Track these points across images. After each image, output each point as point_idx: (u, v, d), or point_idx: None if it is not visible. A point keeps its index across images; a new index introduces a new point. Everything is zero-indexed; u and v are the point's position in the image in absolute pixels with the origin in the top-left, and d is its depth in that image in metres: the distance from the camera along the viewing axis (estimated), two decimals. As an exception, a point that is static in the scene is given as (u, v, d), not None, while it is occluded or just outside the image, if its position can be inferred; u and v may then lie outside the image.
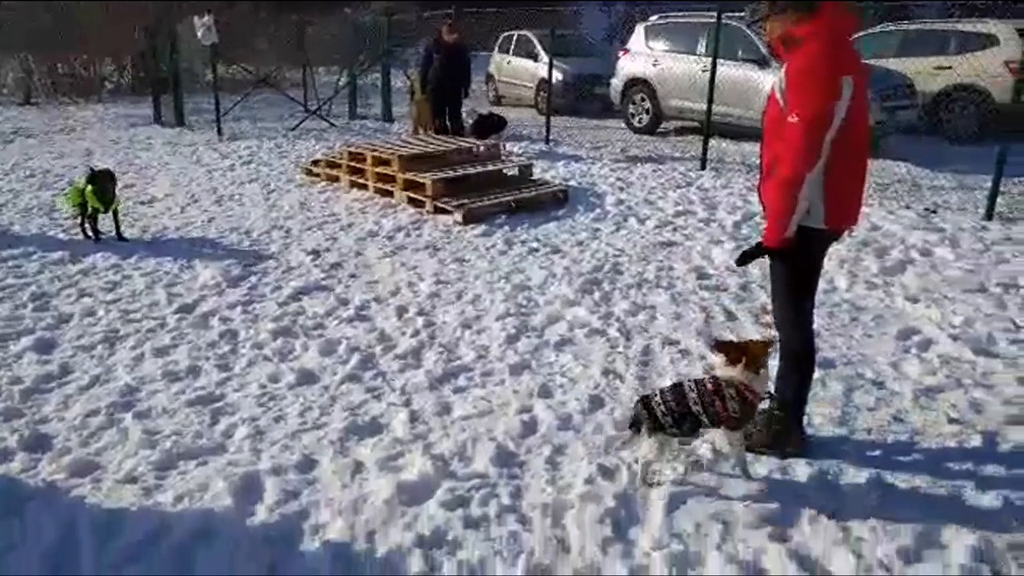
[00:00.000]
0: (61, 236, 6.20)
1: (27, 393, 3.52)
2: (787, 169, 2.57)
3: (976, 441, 3.04)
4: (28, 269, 5.30)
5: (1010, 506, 2.62)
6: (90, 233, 5.95)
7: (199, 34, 11.80)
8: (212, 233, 6.32)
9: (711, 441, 3.02)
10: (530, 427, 3.22)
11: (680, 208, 6.91)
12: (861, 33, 11.62)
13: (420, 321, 4.40)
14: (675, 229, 6.29)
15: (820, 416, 3.25)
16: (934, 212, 6.73)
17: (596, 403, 3.41)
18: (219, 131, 11.77)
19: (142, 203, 7.41)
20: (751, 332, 4.14)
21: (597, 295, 4.81)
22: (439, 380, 3.65)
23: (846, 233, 3.18)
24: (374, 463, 2.95)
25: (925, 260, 5.42)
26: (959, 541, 2.43)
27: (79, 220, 6.01)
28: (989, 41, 10.01)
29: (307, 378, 3.70)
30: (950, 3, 15.18)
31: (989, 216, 6.49)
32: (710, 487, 2.78)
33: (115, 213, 5.98)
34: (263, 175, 8.71)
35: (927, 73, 10.32)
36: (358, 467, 2.94)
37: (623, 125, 12.14)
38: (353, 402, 3.46)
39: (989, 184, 6.58)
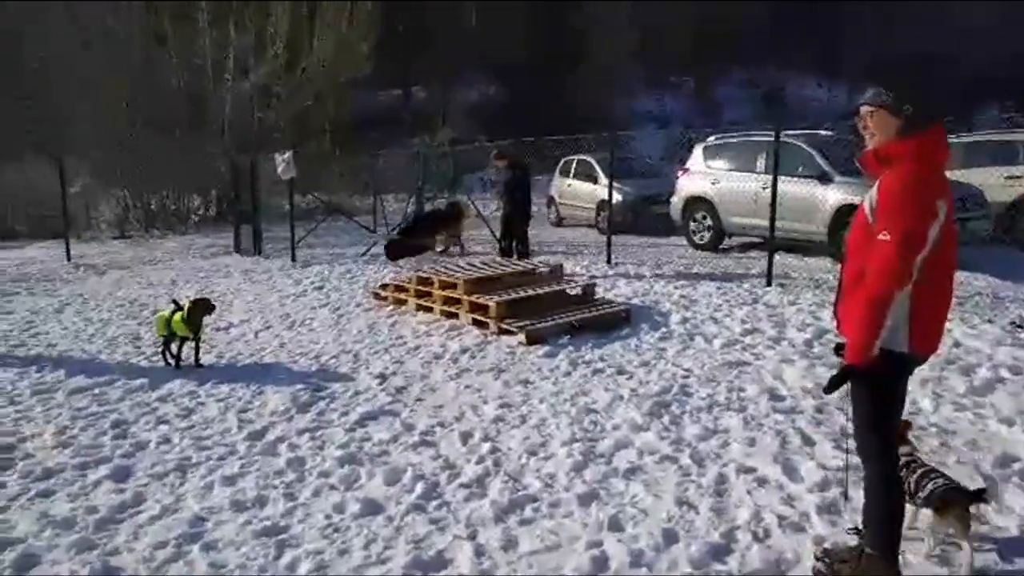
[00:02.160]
0: (144, 363, 6.48)
1: (101, 523, 3.57)
2: (875, 287, 2.51)
3: None
4: (111, 396, 5.52)
5: None
6: (170, 360, 6.21)
7: (279, 169, 12.65)
8: (283, 358, 6.50)
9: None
10: (600, 563, 3.07)
11: (748, 326, 6.78)
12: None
13: (485, 447, 4.34)
14: (744, 348, 6.15)
15: (915, 554, 2.99)
16: (1020, 327, 6.41)
17: (670, 537, 3.24)
18: (293, 258, 12.35)
19: (218, 329, 7.72)
20: (829, 458, 3.92)
21: (666, 419, 4.67)
22: (505, 511, 3.55)
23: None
24: (439, 603, 2.84)
25: (1017, 379, 5.11)
26: None
27: (161, 348, 6.30)
28: (1057, 150, 9.84)
29: (372, 508, 3.66)
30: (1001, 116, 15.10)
31: (1083, 329, 6.14)
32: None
33: (197, 341, 6.25)
34: (333, 300, 9.01)
35: (997, 183, 10.14)
36: (422, 607, 2.84)
37: (684, 242, 12.21)
38: (418, 534, 3.38)
39: (1078, 296, 6.27)
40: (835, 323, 2.81)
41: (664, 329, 6.81)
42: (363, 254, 12.62)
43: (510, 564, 3.10)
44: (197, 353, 6.29)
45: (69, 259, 13.61)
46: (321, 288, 9.82)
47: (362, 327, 7.51)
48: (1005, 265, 8.85)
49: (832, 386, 2.67)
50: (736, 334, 6.55)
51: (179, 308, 6.23)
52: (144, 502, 3.81)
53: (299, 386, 5.59)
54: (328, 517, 3.58)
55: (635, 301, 7.94)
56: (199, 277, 11.27)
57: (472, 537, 3.33)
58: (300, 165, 13.31)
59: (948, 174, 8.92)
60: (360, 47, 21.50)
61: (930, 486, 2.93)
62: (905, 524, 3.08)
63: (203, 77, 20.08)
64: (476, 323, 7.14)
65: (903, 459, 3.07)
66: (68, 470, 4.21)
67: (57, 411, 5.23)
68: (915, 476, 3.01)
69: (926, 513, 2.97)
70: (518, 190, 9.90)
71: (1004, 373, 5.22)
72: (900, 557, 2.83)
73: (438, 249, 12.32)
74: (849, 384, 2.73)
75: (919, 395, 4.82)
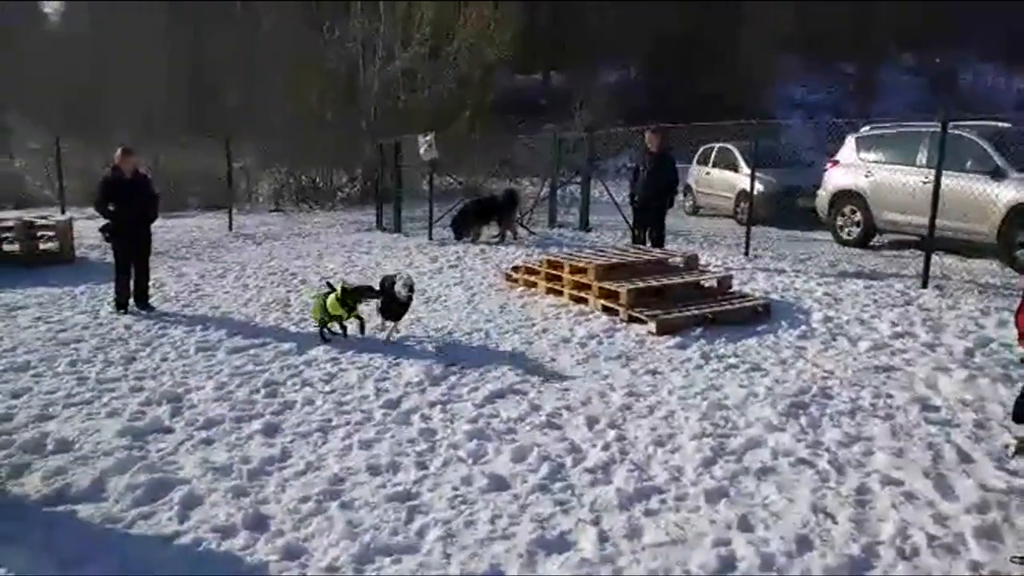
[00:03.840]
0: (292, 328, 6.93)
1: (253, 473, 3.87)
2: None
3: None
4: (263, 357, 5.95)
5: None
6: (328, 335, 6.43)
7: (421, 151, 13.08)
8: (419, 332, 6.75)
9: None
10: (728, 563, 2.98)
11: (898, 329, 6.32)
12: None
13: (611, 434, 4.32)
14: (893, 353, 5.74)
15: (1091, 593, 2.70)
16: None
17: (804, 544, 3.11)
18: (430, 236, 12.77)
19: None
20: (990, 478, 3.60)
21: (804, 420, 4.46)
22: (630, 499, 3.53)
23: None
24: (561, 582, 2.87)
25: None
26: None
27: (318, 328, 6.48)
28: None
29: (498, 483, 3.74)
30: None
31: None
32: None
33: (360, 319, 6.52)
34: (467, 278, 9.24)
35: None
36: (545, 585, 2.88)
37: (830, 238, 11.53)
38: (542, 514, 3.43)
39: None
40: (1017, 333, 2.55)
41: (804, 327, 6.48)
42: (496, 235, 12.84)
43: (633, 553, 3.08)
44: (362, 327, 6.51)
45: (231, 229, 14.77)
46: (456, 267, 10.09)
47: (493, 307, 7.65)
48: None
49: (1018, 415, 2.44)
50: (885, 337, 6.13)
51: (332, 290, 6.37)
52: (290, 457, 4.09)
53: (432, 360, 5.79)
54: (456, 488, 3.70)
55: (774, 296, 7.61)
56: (343, 251, 11.89)
57: (596, 522, 3.33)
58: (441, 147, 13.69)
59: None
60: (504, 32, 21.76)
61: None
62: None
63: (353, 61, 21.11)
64: (605, 310, 7.09)
65: None
66: (226, 422, 4.59)
67: (218, 367, 5.70)
68: None
69: None
70: (665, 173, 9.55)
71: None
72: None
73: (494, 237, 12.33)
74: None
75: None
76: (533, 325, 6.89)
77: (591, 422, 4.52)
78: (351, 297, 6.30)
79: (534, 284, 8.33)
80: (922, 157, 9.81)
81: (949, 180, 8.02)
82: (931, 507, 3.40)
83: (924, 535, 3.15)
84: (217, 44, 22.16)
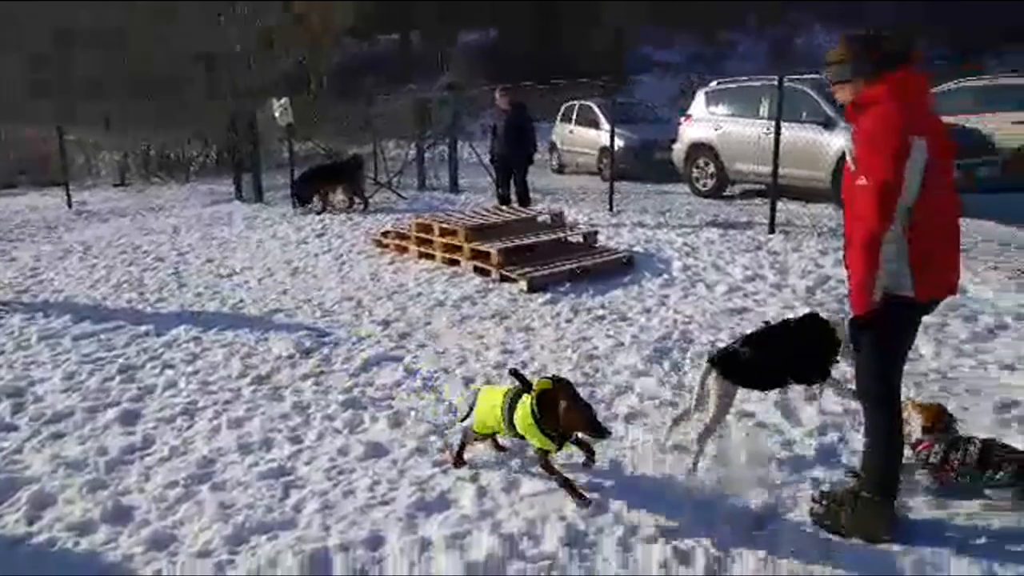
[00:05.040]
0: (148, 310, 6.51)
1: (112, 464, 3.64)
2: (861, 233, 2.52)
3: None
4: (117, 342, 5.56)
5: None
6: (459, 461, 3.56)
7: (276, 115, 12.49)
8: (287, 304, 6.52)
9: (794, 524, 2.88)
10: (601, 505, 3.12)
11: (750, 273, 6.78)
12: (933, 91, 11.40)
13: (487, 392, 4.38)
14: (745, 295, 6.16)
15: (912, 497, 3.05)
16: (1024, 273, 6.40)
17: (669, 481, 3.30)
18: (294, 205, 12.29)
19: (221, 276, 7.74)
20: (830, 403, 3.96)
21: (667, 365, 4.71)
22: (506, 455, 3.60)
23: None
24: (441, 541, 2.91)
25: (1019, 325, 5.13)
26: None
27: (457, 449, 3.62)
28: (1071, 94, 9.67)
29: (376, 451, 3.71)
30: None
31: (1085, 276, 6.13)
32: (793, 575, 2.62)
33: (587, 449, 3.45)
34: (335, 247, 8.99)
35: (1007, 128, 10.00)
36: (425, 545, 2.90)
37: (687, 190, 12.12)
38: (421, 476, 3.45)
39: (1083, 243, 6.24)
40: (846, 273, 2.79)
41: (666, 276, 6.81)
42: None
43: (512, 505, 3.16)
44: (591, 459, 3.37)
45: (70, 207, 13.56)
46: (323, 235, 9.80)
47: (364, 274, 7.51)
48: (1015, 212, 8.78)
49: (853, 342, 2.66)
50: (738, 281, 6.56)
51: (526, 389, 3.20)
52: (153, 444, 3.87)
53: (302, 332, 5.63)
54: (333, 460, 3.64)
55: (637, 248, 7.92)
56: (200, 224, 11.24)
57: (474, 479, 3.39)
58: (297, 111, 13.13)
59: (959, 119, 8.77)
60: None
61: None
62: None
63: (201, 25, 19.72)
64: (477, 270, 7.14)
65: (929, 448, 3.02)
66: (78, 413, 4.27)
67: (64, 356, 5.27)
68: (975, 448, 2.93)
69: None
70: (519, 131, 9.61)
71: (1007, 320, 5.24)
72: (896, 500, 2.89)
73: (341, 203, 11.82)
74: (849, 330, 2.73)
75: (921, 341, 4.83)
76: (406, 290, 6.83)
77: (467, 382, 4.56)
78: (565, 422, 3.04)
79: (405, 248, 8.24)
80: (763, 109, 10.44)
81: (788, 131, 8.59)
82: (780, 434, 3.70)
83: (774, 460, 3.42)
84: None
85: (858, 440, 3.02)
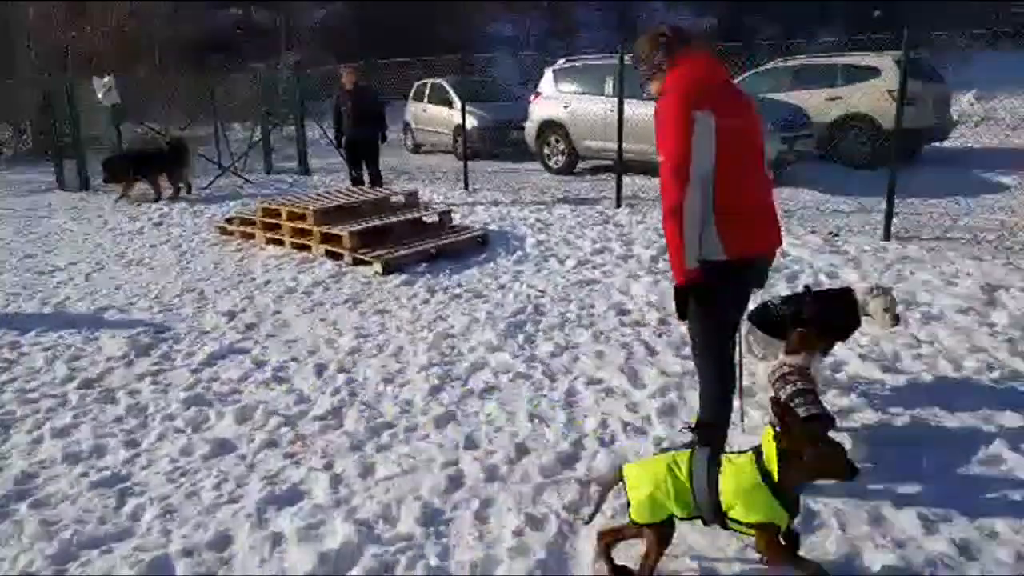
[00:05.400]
0: (-49, 314, 5.81)
1: (-92, 491, 3.23)
2: (664, 206, 2.69)
3: (891, 456, 3.14)
4: (-88, 353, 4.93)
5: (923, 518, 2.70)
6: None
7: (99, 95, 11.47)
8: (120, 300, 6.04)
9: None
10: (456, 482, 3.15)
11: (598, 246, 7.03)
12: (757, 70, 12.26)
13: (341, 379, 4.28)
14: (594, 267, 6.38)
15: (743, 446, 3.29)
16: (837, 235, 7.06)
17: (522, 450, 3.38)
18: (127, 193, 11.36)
19: (42, 273, 7.05)
20: (670, 365, 4.20)
21: (521, 338, 4.80)
22: (361, 440, 3.55)
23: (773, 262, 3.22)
24: (294, 534, 2.82)
25: (833, 283, 5.65)
26: (877, 560, 2.49)
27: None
28: (872, 73, 10.71)
29: (222, 448, 3.54)
30: (833, 40, 16.17)
31: (887, 237, 6.85)
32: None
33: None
34: (175, 236, 8.44)
35: (821, 104, 10.93)
36: (277, 540, 2.81)
37: (540, 167, 12.35)
38: (271, 470, 3.32)
39: (884, 206, 6.95)
40: None
41: (520, 252, 6.93)
42: (206, 187, 11.84)
43: (367, 490, 3.12)
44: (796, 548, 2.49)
45: None
46: (161, 224, 9.16)
47: (207, 264, 7.10)
48: (829, 180, 9.64)
49: (679, 309, 2.79)
50: (587, 254, 6.79)
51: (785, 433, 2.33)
52: (-40, 464, 3.48)
53: (138, 329, 5.24)
54: (174, 461, 3.43)
55: (492, 226, 8.00)
56: (15, 217, 10.18)
57: (328, 467, 3.31)
58: (126, 90, 12.12)
59: (779, 95, 9.42)
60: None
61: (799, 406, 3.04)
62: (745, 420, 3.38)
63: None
64: (329, 255, 6.94)
65: (785, 370, 3.22)
66: None
67: None
68: (787, 392, 3.11)
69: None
70: (367, 112, 9.39)
71: (822, 278, 5.76)
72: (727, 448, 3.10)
73: (167, 193, 10.86)
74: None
75: (753, 303, 5.22)
76: (253, 278, 6.52)
77: (320, 370, 4.44)
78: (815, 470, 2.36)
79: (252, 235, 7.86)
80: (608, 87, 10.80)
81: (632, 107, 8.95)
82: (625, 397, 3.88)
83: (620, 422, 3.59)
84: None
85: (695, 398, 3.21)
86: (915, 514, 2.72)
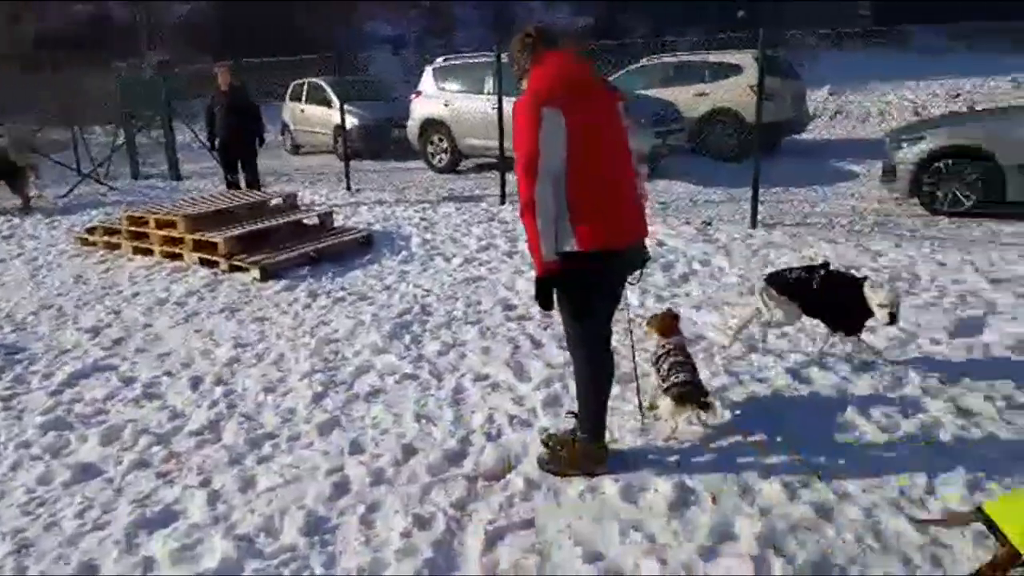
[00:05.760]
0: None
1: None
2: (520, 202, 2.74)
3: (759, 429, 3.33)
4: None
5: (786, 485, 2.89)
6: None
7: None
8: (-36, 322, 5.53)
9: (524, 473, 3.08)
10: (342, 488, 3.08)
11: (484, 243, 7.07)
12: (631, 68, 12.69)
13: (218, 391, 4.10)
14: (480, 264, 6.41)
15: (622, 430, 3.41)
16: (709, 225, 7.42)
17: (409, 452, 3.35)
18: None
19: None
20: (555, 356, 4.28)
21: (407, 339, 4.76)
22: (241, 453, 3.41)
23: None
24: (167, 556, 2.68)
25: (705, 270, 5.93)
26: (746, 528, 2.64)
27: None
28: (735, 70, 11.32)
29: (86, 473, 3.31)
30: (699, 39, 16.95)
31: (754, 224, 7.26)
32: (525, 520, 2.81)
33: None
34: (28, 249, 7.81)
35: (690, 100, 11.45)
36: (148, 565, 2.65)
37: (424, 166, 12.29)
38: (142, 492, 3.13)
39: (751, 196, 7.37)
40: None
41: (405, 252, 6.87)
42: (64, 195, 11.03)
43: (248, 504, 3.00)
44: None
45: None
46: (11, 237, 8.46)
47: (66, 278, 6.61)
48: (701, 172, 10.12)
49: (540, 300, 2.82)
50: (473, 251, 6.81)
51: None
52: None
53: (-14, 352, 4.82)
54: (31, 491, 3.18)
55: (376, 227, 7.89)
56: None
57: (205, 484, 3.16)
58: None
59: (651, 92, 9.75)
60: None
61: (673, 378, 3.26)
62: (647, 402, 3.50)
63: None
64: (203, 262, 6.62)
65: (667, 348, 3.43)
66: None
67: None
68: (668, 364, 3.33)
69: (667, 401, 3.27)
70: (242, 113, 9.00)
71: (696, 266, 6.04)
72: (608, 434, 3.20)
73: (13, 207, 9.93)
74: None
75: (629, 291, 5.40)
76: (120, 291, 6.13)
77: (195, 383, 4.23)
78: None
79: (117, 245, 7.39)
80: (488, 86, 10.88)
81: (511, 106, 9.03)
82: (511, 391, 3.93)
83: (506, 416, 3.63)
84: None
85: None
86: (779, 483, 2.90)
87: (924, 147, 7.65)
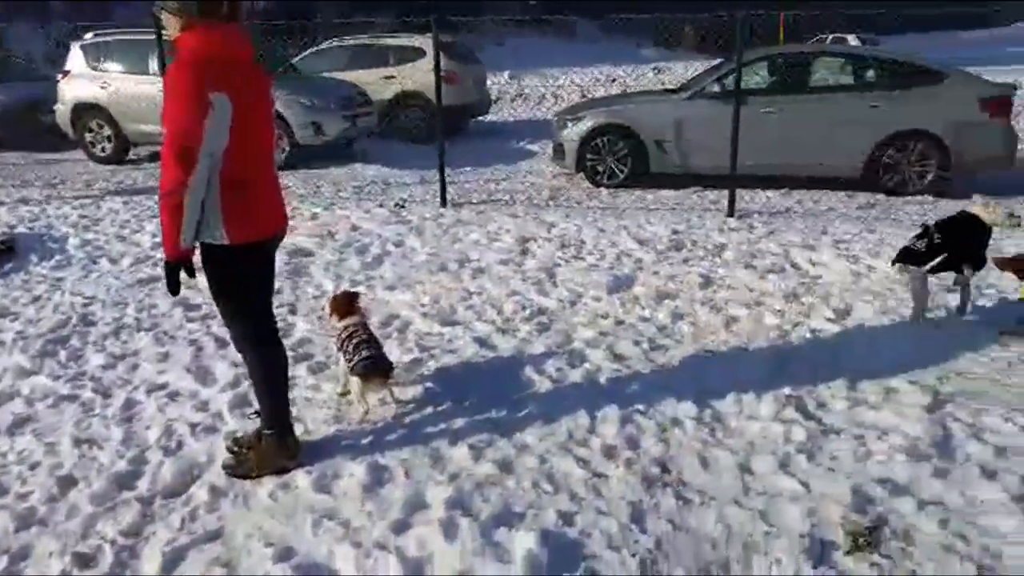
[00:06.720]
0: None
1: None
2: (164, 181, 2.48)
3: (446, 399, 3.48)
4: None
5: (473, 448, 3.06)
6: None
7: None
8: None
9: (209, 483, 2.87)
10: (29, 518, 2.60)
11: (159, 239, 6.39)
12: (314, 49, 12.36)
13: None
14: (156, 263, 5.80)
15: (316, 420, 3.33)
16: (402, 206, 7.54)
17: (67, 483, 2.92)
18: None
19: None
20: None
21: (63, 356, 4.14)
22: None
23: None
24: None
25: (398, 251, 6.02)
26: (437, 495, 2.75)
27: None
28: (419, 54, 11.62)
29: None
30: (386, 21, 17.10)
31: (443, 204, 7.55)
32: (211, 531, 2.62)
33: None
34: None
35: (378, 83, 11.51)
36: None
37: (85, 156, 10.77)
38: None
39: (439, 177, 7.64)
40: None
41: (60, 256, 5.98)
42: None
43: None
44: None
45: None
46: None
47: None
48: (393, 155, 10.25)
49: (169, 285, 2.58)
50: (147, 249, 6.16)
51: None
52: None
53: None
54: None
55: (21, 229, 6.73)
56: None
57: None
58: None
59: (337, 74, 9.59)
60: None
61: (358, 356, 3.22)
62: (340, 388, 3.42)
63: None
64: None
65: (349, 329, 3.34)
66: None
67: None
68: (352, 344, 3.28)
69: (355, 380, 3.26)
70: None
71: (390, 248, 6.10)
72: (301, 426, 3.11)
73: None
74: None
75: (323, 278, 5.31)
76: None
77: None
78: None
79: None
80: (154, 65, 9.83)
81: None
82: (194, 397, 3.62)
83: (187, 425, 3.34)
84: None
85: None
86: (466, 447, 3.07)
87: (584, 126, 8.57)
